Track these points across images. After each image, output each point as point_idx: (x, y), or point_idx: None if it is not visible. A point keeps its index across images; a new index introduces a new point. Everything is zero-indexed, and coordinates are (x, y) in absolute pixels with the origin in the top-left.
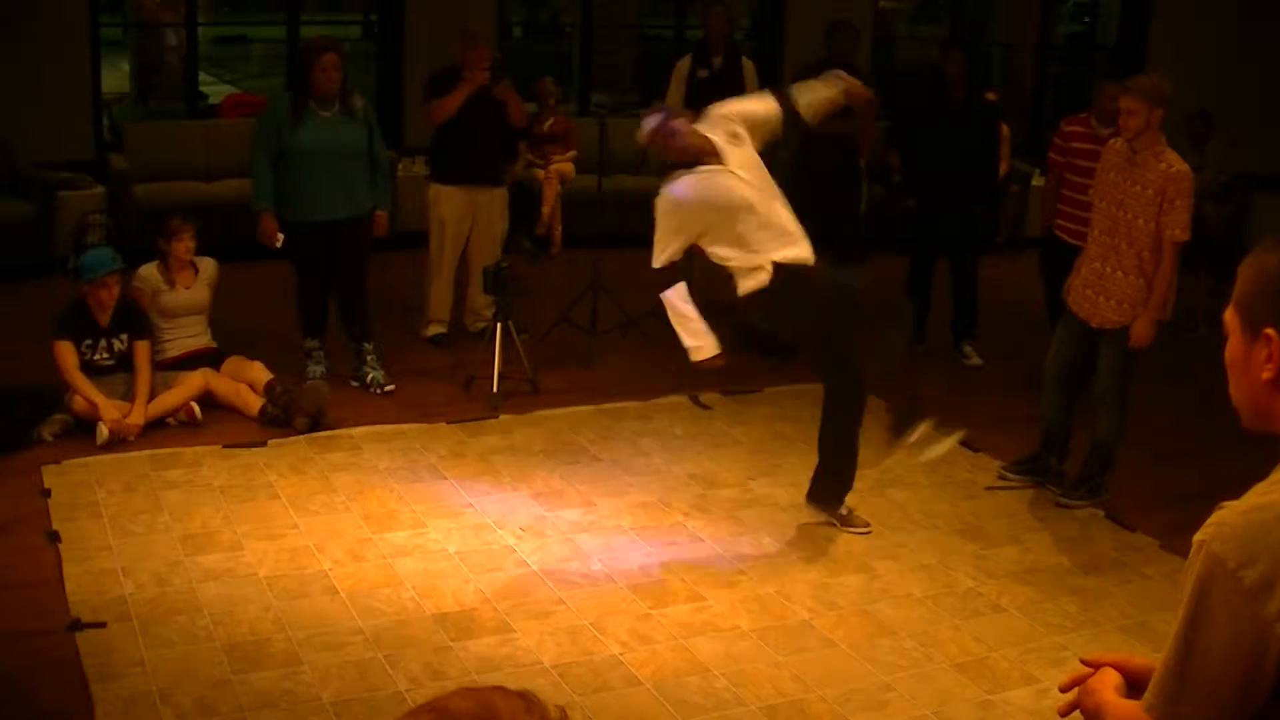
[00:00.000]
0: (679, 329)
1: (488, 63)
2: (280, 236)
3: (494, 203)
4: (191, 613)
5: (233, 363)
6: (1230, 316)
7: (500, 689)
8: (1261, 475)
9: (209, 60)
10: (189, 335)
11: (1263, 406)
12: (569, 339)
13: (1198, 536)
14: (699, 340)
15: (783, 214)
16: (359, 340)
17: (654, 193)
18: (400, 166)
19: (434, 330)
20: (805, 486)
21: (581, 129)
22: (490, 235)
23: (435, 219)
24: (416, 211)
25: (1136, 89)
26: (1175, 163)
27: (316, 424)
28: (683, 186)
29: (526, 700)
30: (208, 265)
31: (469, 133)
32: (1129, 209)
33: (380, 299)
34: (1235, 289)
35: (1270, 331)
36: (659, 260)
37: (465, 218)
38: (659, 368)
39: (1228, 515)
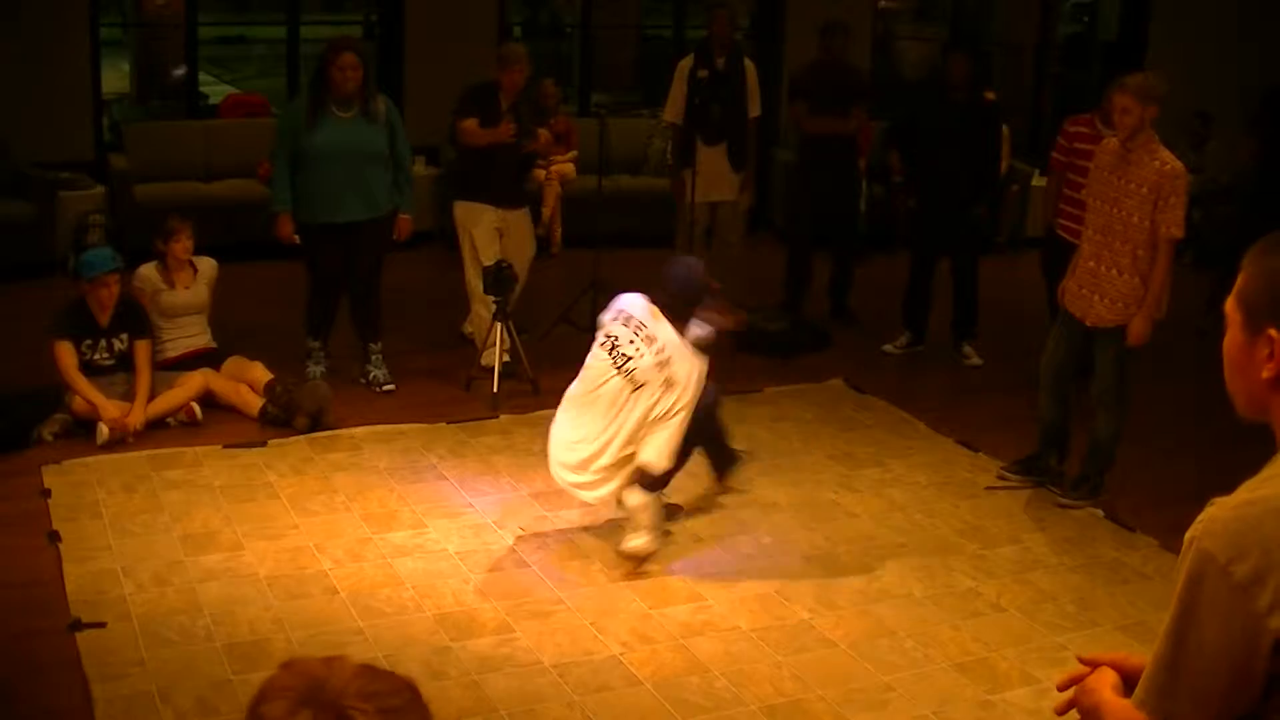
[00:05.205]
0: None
1: (524, 85)
2: (296, 237)
3: (521, 222)
4: (191, 613)
5: (233, 363)
6: (1232, 308)
7: (338, 659)
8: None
9: (209, 60)
10: (189, 335)
11: (1259, 401)
12: (569, 339)
13: (1189, 533)
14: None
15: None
16: (368, 340)
17: (652, 192)
18: None
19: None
20: (806, 486)
21: (581, 129)
22: (520, 256)
23: (465, 239)
24: (418, 212)
25: (1130, 87)
26: (1169, 160)
27: (317, 424)
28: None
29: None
30: (207, 265)
31: (491, 156)
32: (1123, 206)
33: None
34: (1239, 281)
35: (1273, 331)
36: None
37: (494, 235)
38: None
39: (1218, 511)
